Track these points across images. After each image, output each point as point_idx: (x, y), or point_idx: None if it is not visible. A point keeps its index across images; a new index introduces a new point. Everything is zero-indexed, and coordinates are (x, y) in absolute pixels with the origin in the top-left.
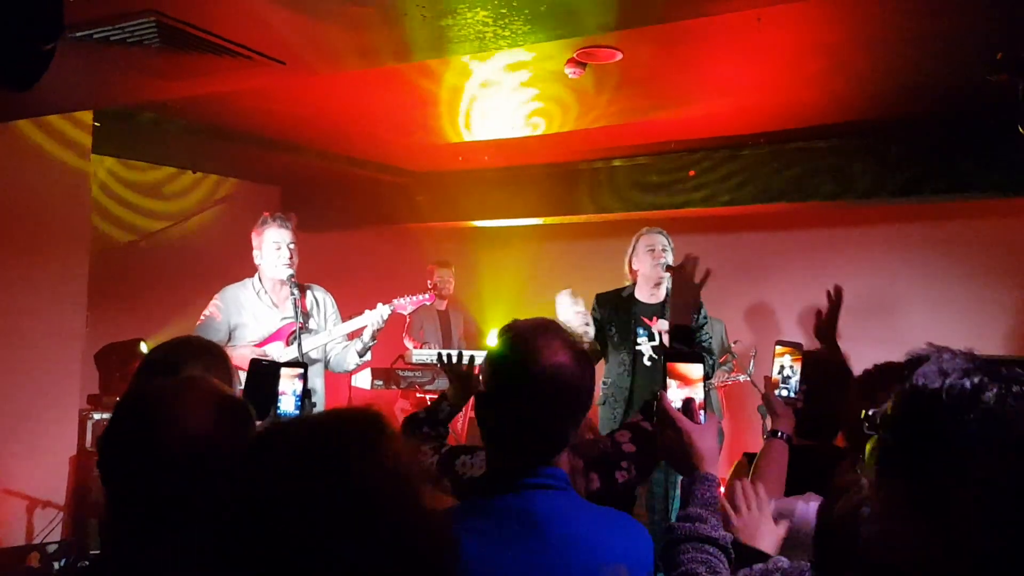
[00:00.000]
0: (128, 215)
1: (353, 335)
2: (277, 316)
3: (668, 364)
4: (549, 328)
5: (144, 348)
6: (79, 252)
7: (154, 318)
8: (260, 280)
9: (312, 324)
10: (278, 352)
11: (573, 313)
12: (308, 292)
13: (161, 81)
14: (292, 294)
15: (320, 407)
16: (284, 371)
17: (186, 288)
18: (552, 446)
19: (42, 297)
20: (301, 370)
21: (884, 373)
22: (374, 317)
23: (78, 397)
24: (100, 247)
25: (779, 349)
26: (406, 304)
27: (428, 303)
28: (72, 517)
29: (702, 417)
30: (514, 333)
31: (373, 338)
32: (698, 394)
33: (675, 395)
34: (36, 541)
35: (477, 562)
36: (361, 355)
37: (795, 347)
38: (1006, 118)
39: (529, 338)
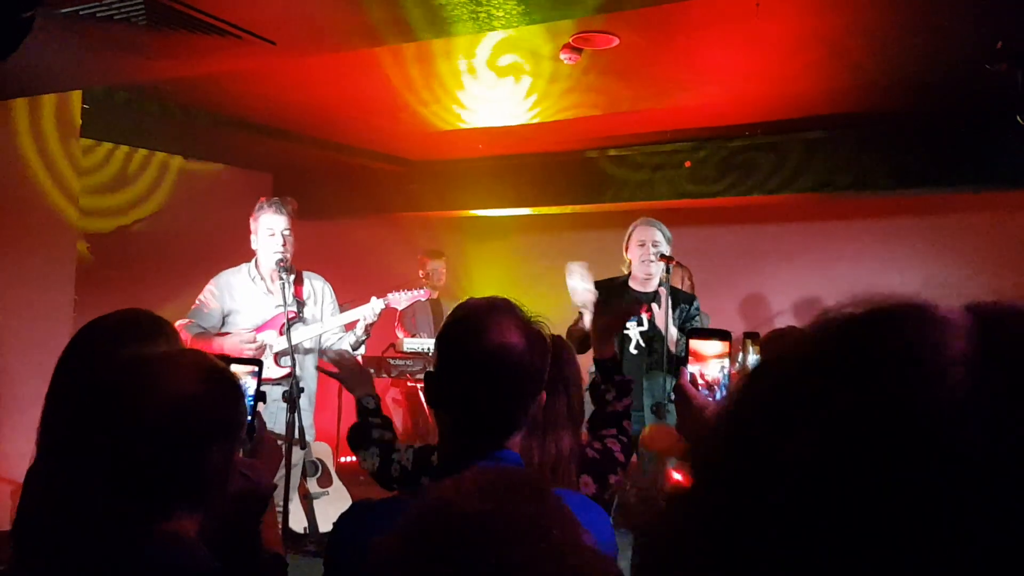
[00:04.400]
0: (118, 199)
1: (347, 327)
2: (271, 303)
3: (689, 341)
4: (501, 306)
5: None
6: (67, 236)
7: (145, 304)
8: (256, 266)
9: (307, 313)
10: (272, 340)
11: (581, 284)
12: (306, 281)
13: (149, 61)
14: (281, 278)
15: (310, 397)
16: (235, 368)
17: (177, 274)
18: (499, 427)
19: (30, 281)
20: (255, 368)
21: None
22: (367, 311)
23: None
24: (89, 231)
25: (749, 343)
26: (400, 299)
27: (423, 299)
28: None
29: (717, 394)
30: (464, 310)
31: (366, 332)
32: (711, 371)
33: (692, 371)
34: None
35: None
36: (354, 348)
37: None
38: (1005, 110)
39: (478, 315)
